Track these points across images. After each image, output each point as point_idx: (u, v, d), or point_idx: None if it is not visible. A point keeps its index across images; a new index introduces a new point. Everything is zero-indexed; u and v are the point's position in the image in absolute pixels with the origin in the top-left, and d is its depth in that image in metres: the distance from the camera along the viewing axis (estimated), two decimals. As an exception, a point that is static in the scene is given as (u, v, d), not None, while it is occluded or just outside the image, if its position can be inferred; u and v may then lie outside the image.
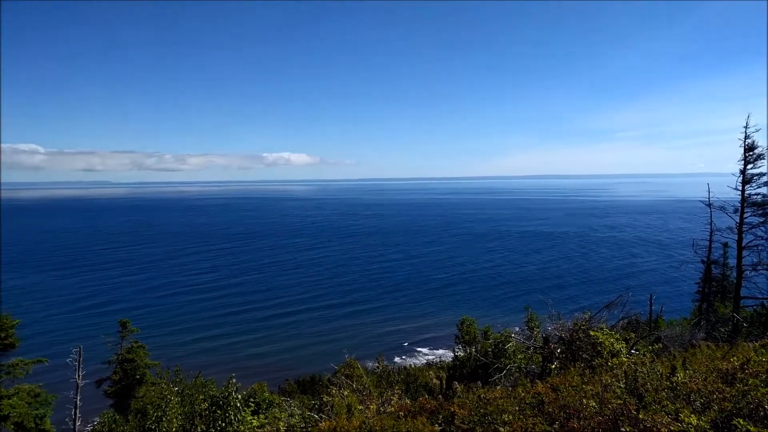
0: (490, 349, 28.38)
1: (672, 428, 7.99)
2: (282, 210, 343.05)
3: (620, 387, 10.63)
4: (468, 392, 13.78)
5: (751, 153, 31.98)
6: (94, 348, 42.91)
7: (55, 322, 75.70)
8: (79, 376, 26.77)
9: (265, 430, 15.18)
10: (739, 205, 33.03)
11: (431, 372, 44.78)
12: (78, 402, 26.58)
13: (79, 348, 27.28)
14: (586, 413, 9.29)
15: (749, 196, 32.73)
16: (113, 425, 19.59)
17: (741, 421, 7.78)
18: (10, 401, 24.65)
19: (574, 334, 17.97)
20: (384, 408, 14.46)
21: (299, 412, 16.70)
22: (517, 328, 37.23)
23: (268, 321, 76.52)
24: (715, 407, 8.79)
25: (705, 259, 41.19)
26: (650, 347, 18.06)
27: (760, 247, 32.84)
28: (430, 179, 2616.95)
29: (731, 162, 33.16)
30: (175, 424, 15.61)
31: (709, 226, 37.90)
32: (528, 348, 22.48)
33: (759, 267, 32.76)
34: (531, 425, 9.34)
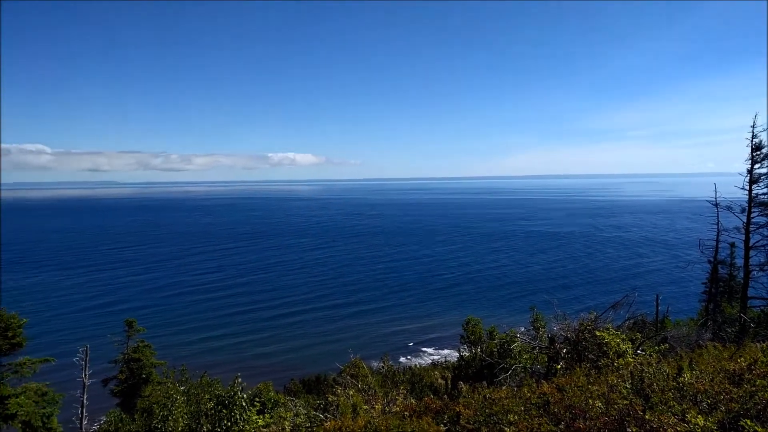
0: (495, 350, 28.32)
1: (678, 429, 7.96)
2: (287, 210, 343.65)
3: (626, 387, 10.60)
4: (473, 392, 13.76)
5: (758, 152, 31.77)
6: (101, 347, 43.11)
7: (62, 322, 76.12)
8: (85, 375, 26.93)
9: (271, 429, 15.21)
10: (747, 204, 32.81)
11: (436, 372, 44.76)
12: (85, 401, 26.74)
13: (86, 347, 27.44)
14: (592, 414, 9.26)
15: (756, 196, 32.51)
16: (120, 424, 19.69)
17: (748, 422, 7.74)
18: (18, 400, 24.80)
19: (580, 334, 17.91)
20: (389, 408, 14.47)
21: (304, 411, 16.73)
22: (523, 329, 37.11)
23: (274, 321, 76.66)
24: (722, 408, 8.74)
25: (712, 259, 40.97)
26: (656, 348, 17.99)
27: (767, 247, 32.63)
28: (432, 179, 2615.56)
29: (739, 161, 32.96)
30: (181, 423, 15.67)
31: (716, 226, 37.66)
32: (533, 348, 22.43)
33: (766, 267, 32.55)
34: (537, 425, 9.32)
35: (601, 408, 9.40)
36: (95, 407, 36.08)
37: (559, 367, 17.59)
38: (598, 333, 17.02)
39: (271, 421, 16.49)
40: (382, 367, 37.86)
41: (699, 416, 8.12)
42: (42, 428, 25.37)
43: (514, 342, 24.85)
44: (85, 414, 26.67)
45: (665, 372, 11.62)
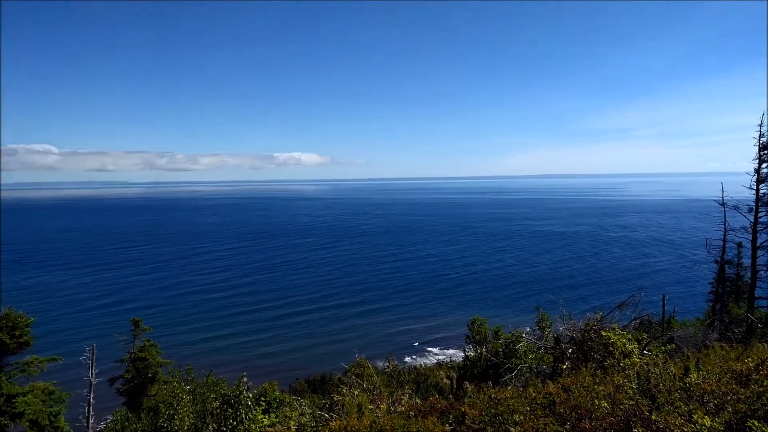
0: (500, 349, 28.28)
1: (685, 430, 7.92)
2: (292, 209, 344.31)
3: (632, 388, 10.56)
4: (479, 392, 13.74)
5: (765, 151, 31.57)
6: (107, 346, 43.31)
7: (69, 321, 76.55)
8: (92, 374, 27.05)
9: (276, 428, 15.24)
10: (754, 204, 32.61)
11: (442, 372, 44.70)
12: (91, 400, 26.85)
13: (93, 346, 27.55)
14: (598, 414, 9.23)
15: (764, 195, 32.30)
16: (126, 423, 19.78)
17: (756, 423, 7.70)
18: (25, 399, 24.96)
19: (586, 334, 17.86)
20: (394, 407, 14.47)
21: (310, 411, 16.75)
22: (528, 328, 37.06)
23: (279, 320, 76.83)
24: (729, 409, 8.70)
25: (719, 259, 40.75)
26: (663, 348, 17.91)
27: (775, 247, 32.44)
28: (435, 179, 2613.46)
29: (745, 161, 32.76)
30: (187, 423, 15.73)
31: (722, 226, 37.47)
32: (539, 348, 22.38)
33: (774, 267, 32.37)
34: (542, 425, 9.29)
35: (607, 408, 9.37)
36: (102, 406, 36.27)
37: (564, 367, 17.55)
38: (604, 333, 16.96)
39: (277, 420, 16.52)
40: (387, 366, 37.83)
41: (706, 417, 8.08)
42: (49, 427, 25.52)
43: (520, 342, 24.79)
44: (91, 413, 26.79)
45: (672, 372, 11.57)
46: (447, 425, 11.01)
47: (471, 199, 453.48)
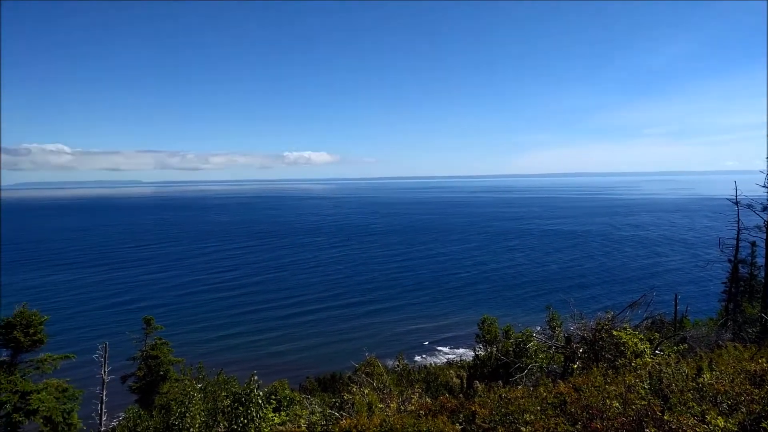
0: (511, 349, 28.18)
1: (698, 430, 7.85)
2: (302, 208, 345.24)
3: (644, 388, 10.48)
4: (489, 391, 13.70)
5: (780, 149, 31.18)
6: (120, 344, 43.65)
7: (82, 319, 77.32)
8: (105, 371, 27.33)
9: (287, 427, 15.30)
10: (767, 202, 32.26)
11: (452, 371, 44.61)
12: (104, 397, 27.14)
13: (105, 344, 27.84)
14: (610, 414, 9.18)
15: (778, 194, 31.93)
16: (138, 420, 19.93)
17: (770, 423, 7.62)
18: (40, 396, 25.26)
19: (597, 333, 17.76)
20: (404, 406, 14.48)
21: (320, 409, 16.81)
22: (539, 328, 36.89)
23: (289, 319, 77.08)
24: (743, 409, 8.61)
25: (732, 258, 40.35)
26: (675, 348, 17.77)
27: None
28: (446, 177, 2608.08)
29: (762, 159, 32.38)
30: (198, 420, 15.83)
31: (736, 225, 37.08)
32: (549, 348, 22.29)
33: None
34: (553, 425, 9.26)
35: (618, 408, 9.31)
36: (114, 403, 36.57)
37: (575, 366, 17.46)
38: (615, 332, 16.86)
39: (287, 418, 16.59)
40: (397, 365, 37.83)
41: (719, 417, 8.01)
42: (63, 423, 25.81)
43: (530, 341, 24.71)
44: (104, 410, 27.06)
45: (684, 372, 11.47)
46: (457, 424, 10.99)
47: (481, 198, 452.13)
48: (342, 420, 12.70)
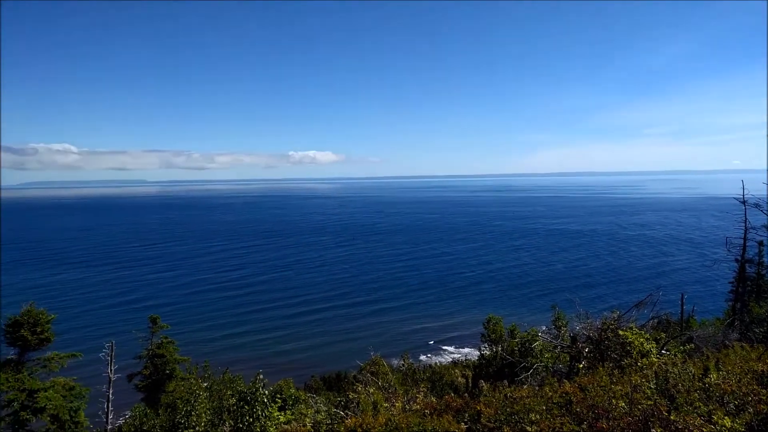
0: (516, 348, 28.14)
1: (705, 430, 7.82)
2: (307, 208, 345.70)
3: (650, 387, 10.44)
4: (494, 391, 13.69)
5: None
6: (126, 343, 43.86)
7: (89, 318, 77.73)
8: (111, 370, 27.47)
9: (292, 426, 15.34)
10: (775, 202, 32.06)
11: (457, 370, 44.62)
12: (110, 395, 27.28)
13: (112, 343, 27.98)
14: (615, 414, 9.15)
15: (786, 193, 31.74)
16: (144, 419, 20.04)
17: (777, 424, 7.57)
18: (47, 394, 25.40)
19: (603, 333, 17.71)
20: (409, 405, 14.48)
21: (325, 408, 16.84)
22: (544, 327, 36.83)
23: (294, 318, 77.22)
24: (750, 410, 8.56)
25: (739, 257, 40.11)
26: (682, 347, 17.70)
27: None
28: (450, 177, 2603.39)
29: (761, 159, 32.18)
30: (204, 419, 15.89)
31: (743, 224, 36.88)
32: (555, 347, 22.24)
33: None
34: (559, 425, 9.24)
35: (624, 408, 9.28)
36: (120, 402, 36.72)
37: (581, 366, 17.42)
38: (621, 332, 16.81)
39: (293, 417, 16.63)
40: (403, 365, 37.86)
41: (726, 418, 7.97)
42: (69, 422, 25.95)
43: (536, 341, 24.67)
44: (110, 408, 27.21)
45: (691, 372, 11.43)
46: (462, 424, 10.98)
47: (487, 197, 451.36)
48: (347, 419, 12.72)
